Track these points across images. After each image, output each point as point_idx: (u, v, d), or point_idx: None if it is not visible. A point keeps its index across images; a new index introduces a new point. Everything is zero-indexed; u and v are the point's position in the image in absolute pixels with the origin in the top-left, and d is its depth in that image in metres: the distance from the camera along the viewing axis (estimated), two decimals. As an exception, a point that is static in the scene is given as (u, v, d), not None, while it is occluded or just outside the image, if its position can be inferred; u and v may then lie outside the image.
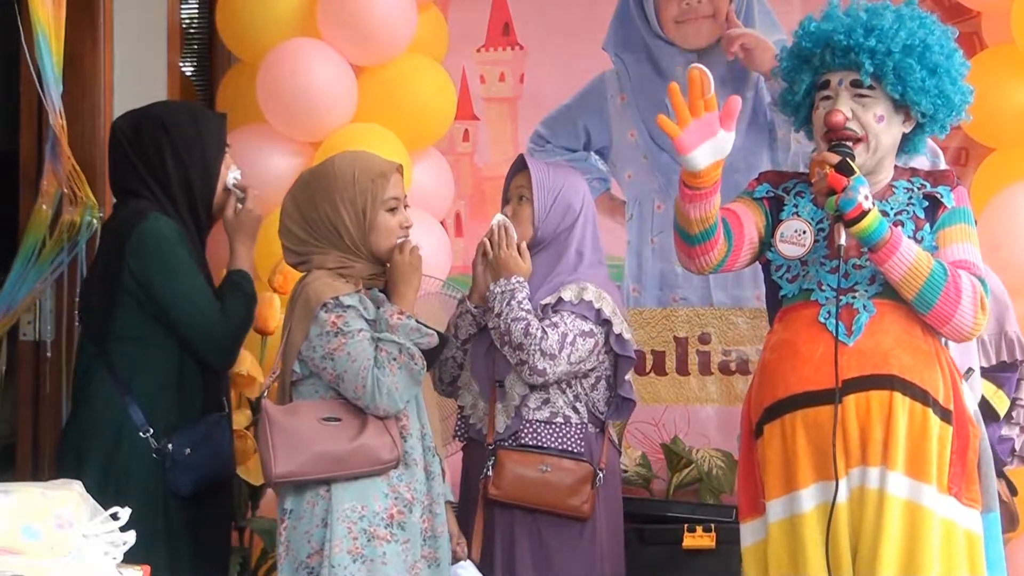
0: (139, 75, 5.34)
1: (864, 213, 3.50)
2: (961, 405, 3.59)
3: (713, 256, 3.70)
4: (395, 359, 3.69)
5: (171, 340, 4.01)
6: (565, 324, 4.05)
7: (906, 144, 3.76)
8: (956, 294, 3.54)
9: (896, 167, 3.77)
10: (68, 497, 2.77)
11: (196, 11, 6.65)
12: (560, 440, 4.09)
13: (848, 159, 3.56)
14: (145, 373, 4.00)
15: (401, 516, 3.69)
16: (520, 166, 4.26)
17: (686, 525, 4.68)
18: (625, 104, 5.77)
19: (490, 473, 4.04)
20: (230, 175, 4.19)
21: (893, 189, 3.71)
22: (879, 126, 3.66)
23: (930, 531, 3.48)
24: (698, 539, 4.80)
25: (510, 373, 4.09)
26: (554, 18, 5.80)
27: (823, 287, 3.64)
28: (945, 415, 3.55)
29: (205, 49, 6.58)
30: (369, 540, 3.65)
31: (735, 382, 5.38)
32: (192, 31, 6.61)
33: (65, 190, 4.32)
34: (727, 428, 5.02)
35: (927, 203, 3.69)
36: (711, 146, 3.54)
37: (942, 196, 3.68)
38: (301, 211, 3.82)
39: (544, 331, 4.02)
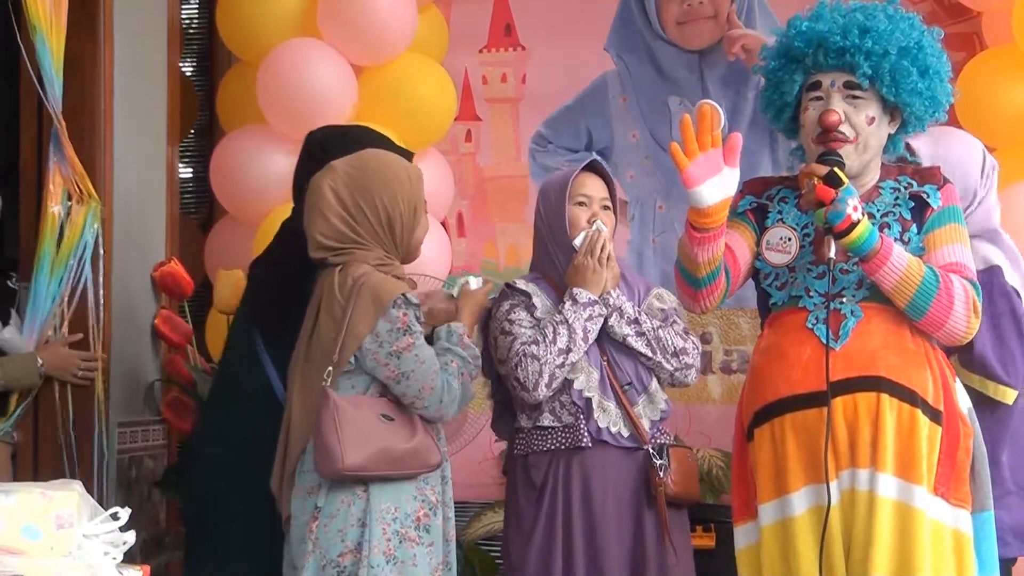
0: (139, 75, 5.35)
1: (853, 225, 3.49)
2: (952, 405, 3.57)
3: (716, 296, 3.75)
4: (461, 373, 3.72)
5: None
6: (686, 323, 4.18)
7: (887, 144, 3.75)
8: (948, 300, 3.53)
9: (883, 165, 3.75)
10: (68, 497, 2.76)
11: (196, 11, 6.65)
12: (669, 436, 4.17)
13: (837, 169, 3.54)
14: None
15: (427, 519, 3.69)
16: (590, 170, 4.21)
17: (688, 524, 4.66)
18: (627, 105, 5.78)
19: (662, 474, 4.03)
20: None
21: (880, 190, 3.70)
22: (870, 128, 3.66)
23: (922, 532, 3.47)
24: (698, 539, 4.78)
25: (652, 379, 4.12)
26: (556, 19, 5.80)
27: (811, 293, 3.64)
28: (935, 415, 3.54)
29: (205, 49, 6.58)
30: (401, 542, 3.63)
31: (736, 382, 5.37)
32: (192, 31, 6.62)
33: (73, 189, 4.32)
34: (728, 428, 5.00)
35: (913, 204, 3.67)
36: (718, 182, 3.55)
37: (928, 196, 3.67)
38: (347, 203, 3.73)
39: (689, 334, 4.12)
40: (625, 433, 4.07)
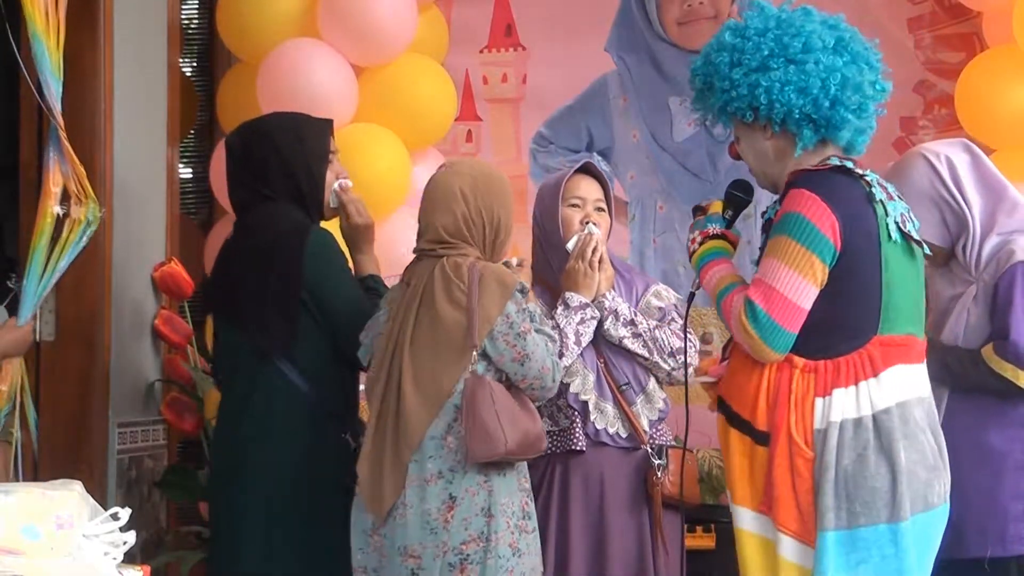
0: (139, 75, 5.34)
1: (691, 255, 3.61)
2: (778, 425, 3.43)
3: None
4: (553, 352, 3.86)
5: (334, 342, 4.07)
6: (682, 321, 4.17)
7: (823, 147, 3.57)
8: (727, 320, 3.49)
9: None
10: (68, 497, 2.75)
11: (196, 11, 6.65)
12: (668, 436, 4.17)
13: (703, 202, 3.68)
14: (328, 377, 4.07)
15: (528, 506, 3.81)
16: (584, 172, 4.23)
17: (686, 525, 4.67)
18: (627, 105, 5.79)
19: (659, 474, 4.04)
20: (337, 182, 4.25)
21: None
22: (740, 147, 3.64)
23: (743, 548, 3.47)
24: (698, 539, 4.79)
25: (650, 378, 4.13)
26: (556, 19, 5.81)
27: None
28: (754, 434, 3.46)
29: (205, 49, 6.58)
30: (520, 535, 3.75)
31: (736, 382, 5.37)
32: (192, 31, 6.62)
33: (73, 188, 4.32)
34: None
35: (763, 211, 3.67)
36: None
37: (772, 207, 3.57)
38: (471, 205, 3.87)
39: (688, 331, 4.12)
40: (623, 433, 4.07)
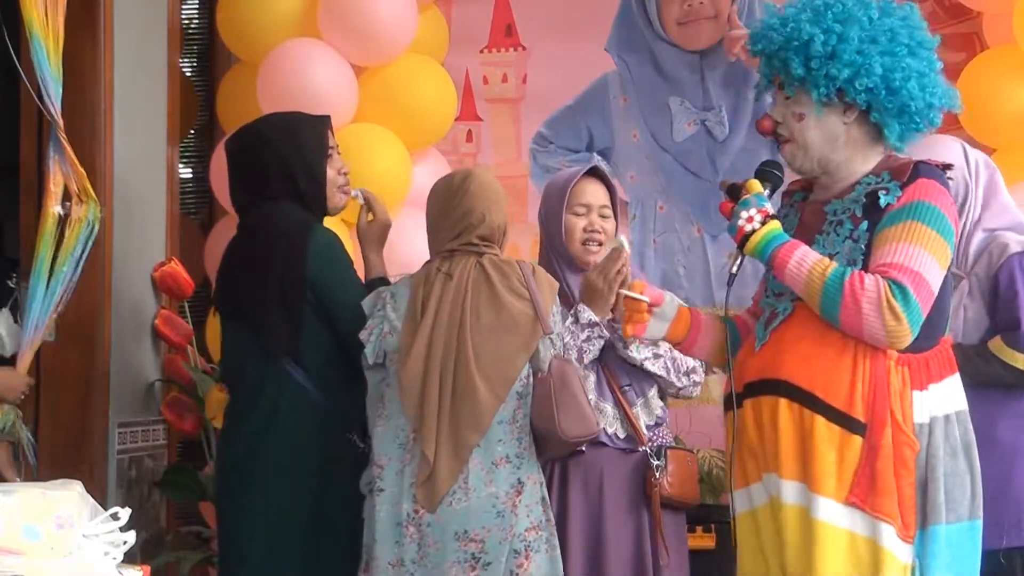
0: (139, 75, 5.35)
1: (747, 236, 3.46)
2: (884, 414, 3.40)
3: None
4: None
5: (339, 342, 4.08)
6: None
7: (880, 138, 3.57)
8: (854, 303, 3.35)
9: (885, 159, 3.58)
10: (68, 497, 2.76)
11: (196, 11, 6.66)
12: (668, 438, 4.19)
13: (738, 182, 3.53)
14: (334, 377, 4.08)
15: None
16: (592, 176, 4.21)
17: (686, 525, 4.68)
18: (627, 105, 5.78)
19: (658, 475, 4.03)
20: (360, 189, 4.30)
21: (855, 188, 3.54)
22: (800, 125, 3.53)
23: (822, 539, 3.37)
24: (698, 539, 4.79)
25: (652, 387, 4.12)
26: (556, 19, 5.81)
27: (766, 292, 3.61)
28: (848, 423, 3.39)
29: (205, 49, 6.58)
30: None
31: (737, 382, 5.37)
32: (192, 31, 6.62)
33: (73, 189, 4.32)
34: (728, 428, 5.03)
35: (866, 200, 3.50)
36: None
37: (885, 192, 3.47)
38: (502, 211, 4.00)
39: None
40: (622, 434, 4.06)
